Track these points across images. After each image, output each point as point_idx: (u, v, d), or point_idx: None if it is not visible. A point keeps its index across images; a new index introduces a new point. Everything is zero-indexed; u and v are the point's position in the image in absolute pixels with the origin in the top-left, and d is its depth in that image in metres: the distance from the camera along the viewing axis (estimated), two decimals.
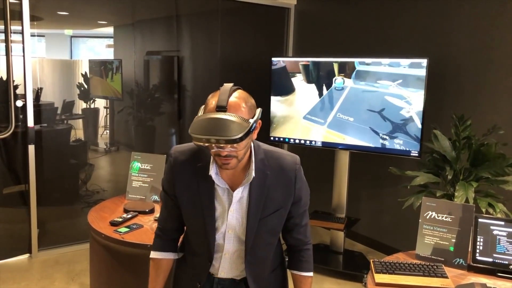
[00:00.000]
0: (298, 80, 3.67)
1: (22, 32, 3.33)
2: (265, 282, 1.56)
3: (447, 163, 2.89)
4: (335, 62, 3.45)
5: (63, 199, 3.99)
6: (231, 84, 1.34)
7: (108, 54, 4.37)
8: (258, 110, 1.37)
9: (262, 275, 1.54)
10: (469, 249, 1.95)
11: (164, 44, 4.42)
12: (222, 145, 1.24)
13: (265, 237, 1.47)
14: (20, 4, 3.29)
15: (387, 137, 3.30)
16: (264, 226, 1.45)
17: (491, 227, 1.92)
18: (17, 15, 3.31)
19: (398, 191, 3.69)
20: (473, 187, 2.67)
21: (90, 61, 4.12)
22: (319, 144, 3.61)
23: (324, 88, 3.54)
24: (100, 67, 4.12)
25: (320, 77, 3.56)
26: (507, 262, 1.88)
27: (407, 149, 3.24)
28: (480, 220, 1.94)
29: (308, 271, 1.58)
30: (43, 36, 3.76)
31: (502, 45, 3.10)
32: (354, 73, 3.38)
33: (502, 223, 1.91)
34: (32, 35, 3.39)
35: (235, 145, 1.27)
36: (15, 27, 3.32)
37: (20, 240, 3.60)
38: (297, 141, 3.71)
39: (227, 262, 1.51)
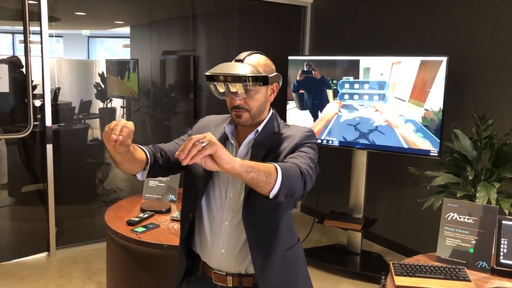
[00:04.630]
0: (290, 108, 3.78)
1: (40, 33, 3.37)
2: (274, 265, 1.43)
3: (468, 163, 2.82)
4: (343, 60, 3.41)
5: (80, 198, 4.02)
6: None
7: (124, 54, 4.39)
8: (277, 74, 1.45)
9: (266, 246, 1.42)
10: (493, 252, 1.90)
11: (180, 44, 4.42)
12: (231, 85, 1.32)
13: None
14: (39, 5, 3.32)
15: (405, 137, 3.25)
16: None
17: None
18: (36, 16, 3.35)
19: (416, 191, 3.62)
20: (495, 188, 2.61)
21: (107, 61, 4.14)
22: (336, 143, 3.57)
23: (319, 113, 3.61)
24: (117, 67, 4.14)
25: (315, 104, 3.62)
26: None
27: (427, 148, 3.18)
28: (504, 222, 1.88)
29: (278, 168, 1.20)
30: (61, 36, 3.80)
31: None
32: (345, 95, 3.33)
33: None
34: (50, 36, 3.43)
35: (245, 94, 1.35)
36: (33, 27, 3.36)
37: (38, 239, 3.65)
38: None
39: (226, 236, 1.44)
